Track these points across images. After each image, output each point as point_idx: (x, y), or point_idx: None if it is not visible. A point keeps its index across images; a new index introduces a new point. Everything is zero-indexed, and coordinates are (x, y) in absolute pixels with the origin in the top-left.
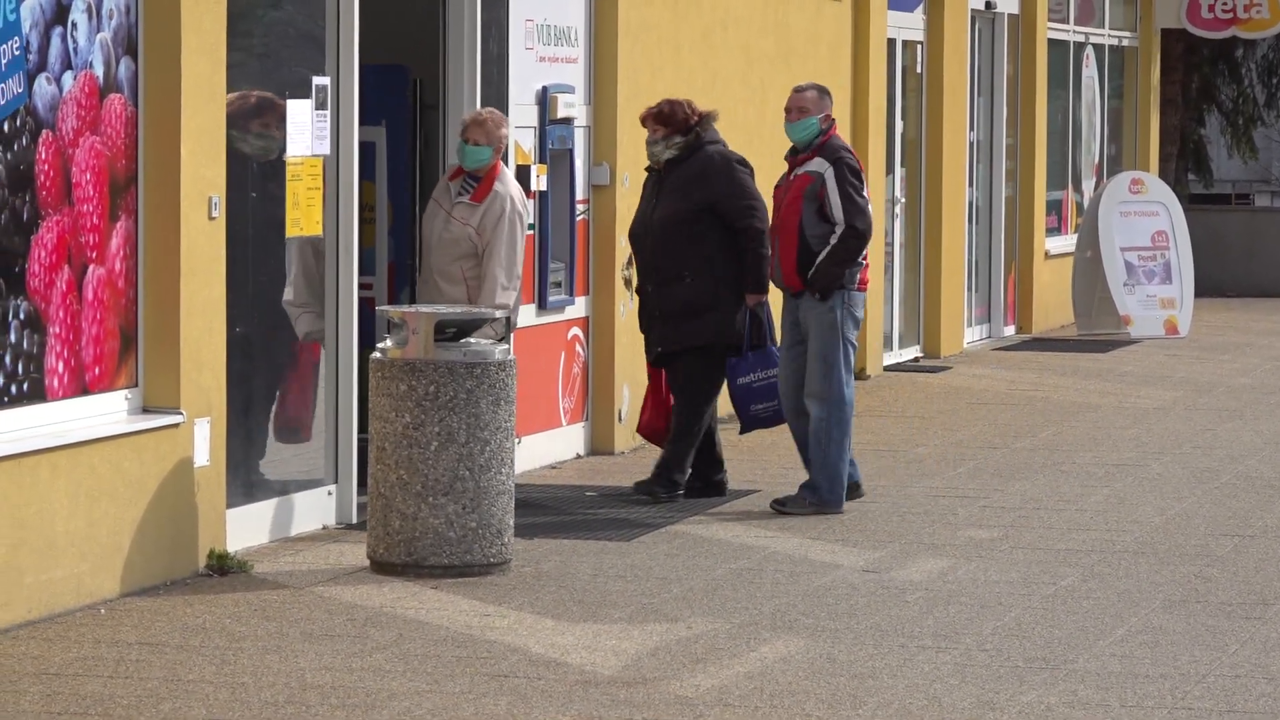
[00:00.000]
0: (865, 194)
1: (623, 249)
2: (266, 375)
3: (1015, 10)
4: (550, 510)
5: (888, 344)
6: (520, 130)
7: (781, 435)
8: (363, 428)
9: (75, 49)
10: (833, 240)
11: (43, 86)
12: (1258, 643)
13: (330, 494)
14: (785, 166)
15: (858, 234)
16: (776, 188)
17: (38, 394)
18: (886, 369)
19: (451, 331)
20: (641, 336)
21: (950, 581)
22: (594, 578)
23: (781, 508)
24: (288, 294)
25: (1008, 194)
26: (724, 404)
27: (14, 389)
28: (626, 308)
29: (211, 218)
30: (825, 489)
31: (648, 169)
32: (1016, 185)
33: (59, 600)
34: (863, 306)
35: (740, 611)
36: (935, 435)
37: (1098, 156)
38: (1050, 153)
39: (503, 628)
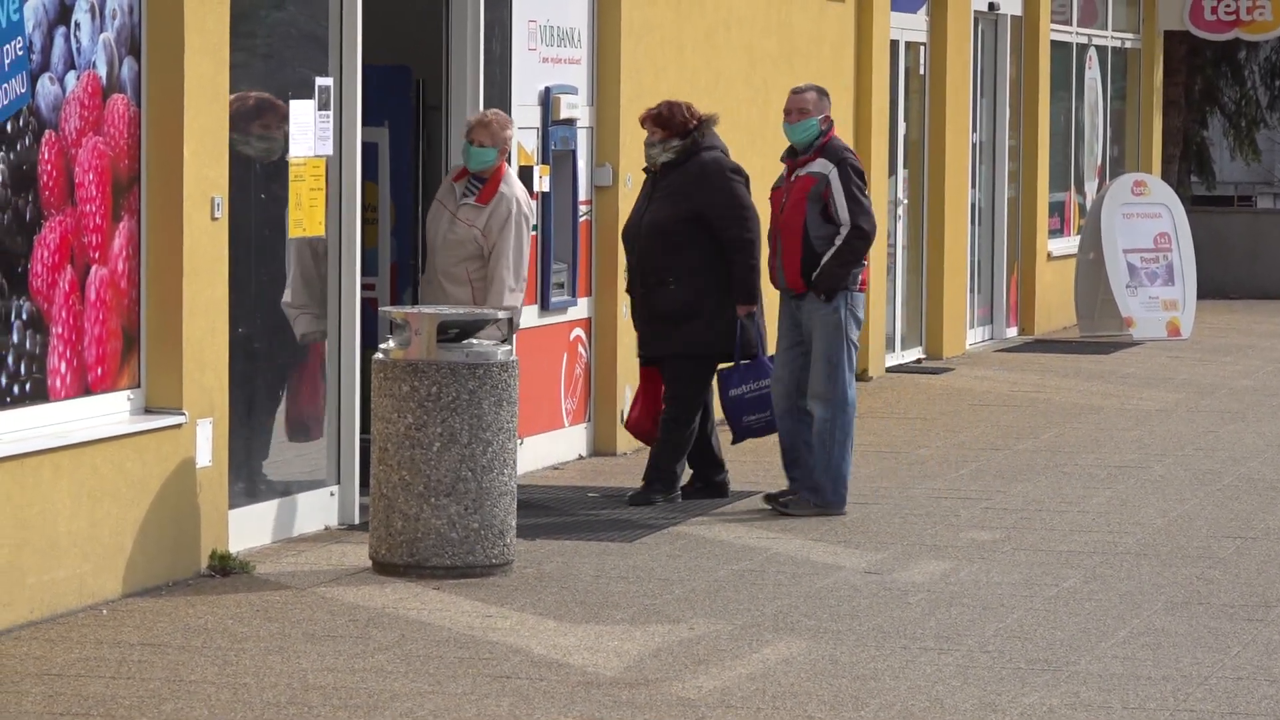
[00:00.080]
0: (868, 194)
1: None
2: (269, 376)
3: (1018, 11)
4: (552, 511)
5: (890, 345)
6: (523, 131)
7: None
8: (365, 428)
9: (78, 49)
10: (837, 241)
11: (46, 86)
12: (1260, 645)
13: (332, 495)
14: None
15: (863, 234)
16: (775, 190)
17: (40, 394)
18: (889, 370)
19: (454, 332)
20: None
21: (952, 583)
22: (596, 579)
23: (783, 508)
24: (286, 295)
25: (1010, 195)
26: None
27: (16, 389)
28: (628, 309)
29: (214, 218)
30: (829, 490)
31: (645, 169)
32: (1019, 186)
33: (61, 601)
34: (863, 307)
35: (742, 613)
36: (937, 437)
37: (1100, 158)
38: (1053, 154)
39: (505, 629)
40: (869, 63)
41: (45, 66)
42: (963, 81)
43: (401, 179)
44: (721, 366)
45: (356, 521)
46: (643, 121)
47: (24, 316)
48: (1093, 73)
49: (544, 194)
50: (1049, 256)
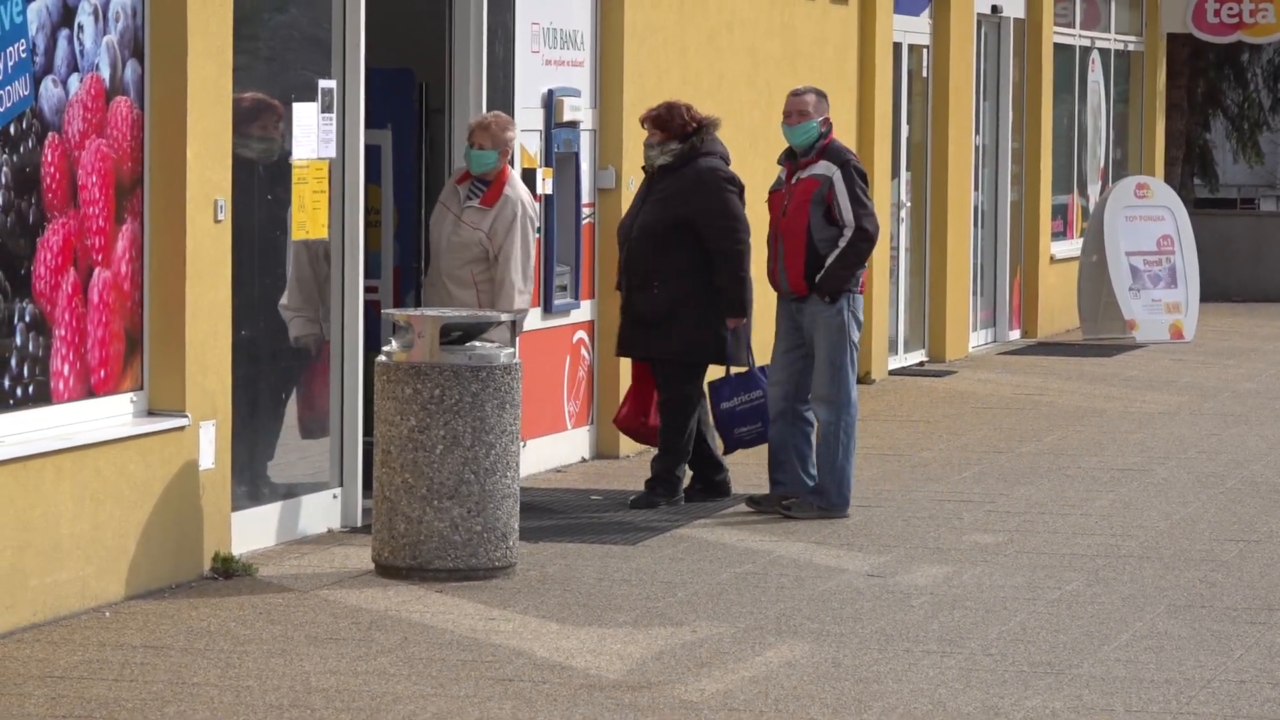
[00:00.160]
0: (870, 196)
1: None
2: (271, 378)
3: (1021, 14)
4: (555, 514)
5: (893, 348)
6: (526, 134)
7: None
8: (368, 431)
9: (81, 51)
10: (841, 243)
11: (49, 89)
12: (1263, 648)
13: (335, 497)
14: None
15: (867, 236)
16: (773, 193)
17: (43, 397)
18: (891, 373)
19: (457, 335)
20: None
21: (955, 586)
22: (599, 582)
23: (786, 511)
24: (283, 298)
25: (1013, 198)
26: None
27: (19, 391)
28: None
29: (217, 220)
30: (833, 493)
31: (643, 168)
32: (1022, 189)
33: (64, 603)
34: (862, 309)
35: (745, 616)
36: (940, 439)
37: (1103, 161)
38: (1056, 157)
39: (507, 631)
40: (872, 65)
41: (48, 69)
42: (965, 84)
43: (404, 181)
44: (712, 379)
45: (359, 524)
46: (642, 121)
47: (27, 319)
48: (1095, 75)
49: (547, 196)
50: (1052, 259)
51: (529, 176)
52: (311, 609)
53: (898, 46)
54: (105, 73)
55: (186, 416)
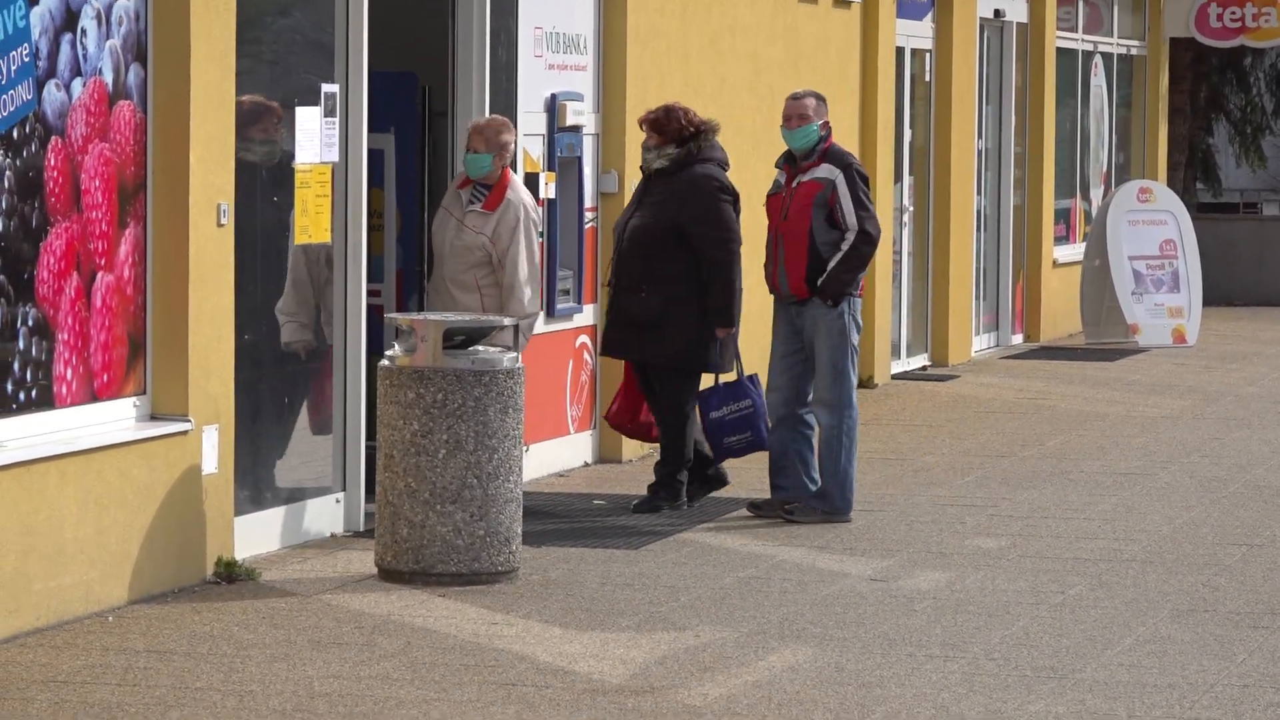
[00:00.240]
0: (872, 199)
1: None
2: (274, 383)
3: (1024, 18)
4: (558, 518)
5: (895, 352)
6: (529, 138)
7: None
8: (371, 435)
9: (85, 55)
10: (844, 247)
11: (52, 93)
12: (1266, 652)
13: (338, 501)
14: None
15: (869, 240)
16: (772, 197)
17: (46, 401)
18: (894, 377)
19: (460, 339)
20: None
21: (958, 590)
22: (602, 586)
23: (789, 515)
24: (280, 302)
25: (1016, 202)
26: None
27: (23, 396)
28: None
29: (220, 225)
30: (836, 496)
31: (641, 169)
32: (1025, 193)
33: (67, 607)
34: (860, 312)
35: (748, 620)
36: (943, 444)
37: (1106, 165)
38: (1058, 161)
39: (510, 636)
40: (874, 69)
41: (52, 73)
42: (968, 88)
43: (407, 186)
44: (701, 389)
45: (362, 528)
46: (640, 123)
47: (30, 323)
48: (1098, 80)
49: (550, 201)
50: (1054, 263)
51: (532, 181)
52: (314, 613)
53: (900, 51)
54: (108, 77)
55: (189, 421)
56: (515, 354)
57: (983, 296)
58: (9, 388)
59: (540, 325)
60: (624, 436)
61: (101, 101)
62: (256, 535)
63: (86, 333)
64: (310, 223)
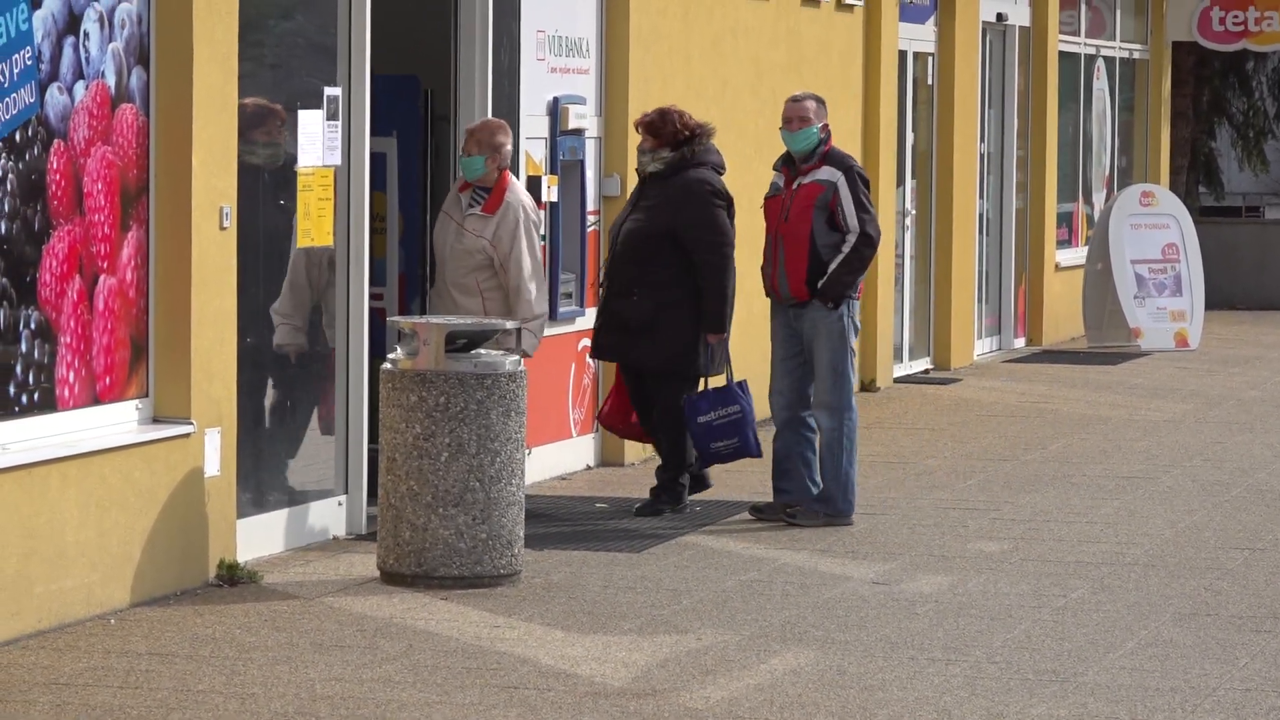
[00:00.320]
0: (872, 201)
1: None
2: (277, 386)
3: (1026, 23)
4: (560, 521)
5: (898, 356)
6: (531, 141)
7: None
8: (373, 438)
9: (87, 59)
10: (845, 249)
11: (55, 96)
12: (1268, 656)
13: (340, 504)
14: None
15: (870, 242)
16: (770, 199)
17: (48, 404)
18: (896, 381)
19: (462, 342)
20: None
21: (960, 594)
22: (604, 589)
23: (791, 519)
24: (276, 303)
25: (1018, 206)
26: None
27: (25, 399)
28: None
29: (223, 228)
30: (839, 499)
31: (636, 171)
32: (1027, 197)
33: (69, 610)
34: (858, 315)
35: (750, 623)
36: (945, 447)
37: (1108, 169)
38: (1061, 165)
39: (512, 639)
40: (877, 73)
41: (54, 76)
42: (971, 92)
43: (410, 189)
44: (689, 393)
45: (364, 531)
46: (636, 127)
47: (32, 326)
48: (1101, 83)
49: (552, 204)
50: (1057, 267)
51: (534, 184)
52: (316, 616)
53: (903, 54)
54: (111, 80)
55: (192, 424)
56: (517, 357)
57: (985, 300)
58: (11, 390)
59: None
60: (625, 440)
61: (104, 104)
62: (259, 538)
63: (89, 336)
64: (312, 226)
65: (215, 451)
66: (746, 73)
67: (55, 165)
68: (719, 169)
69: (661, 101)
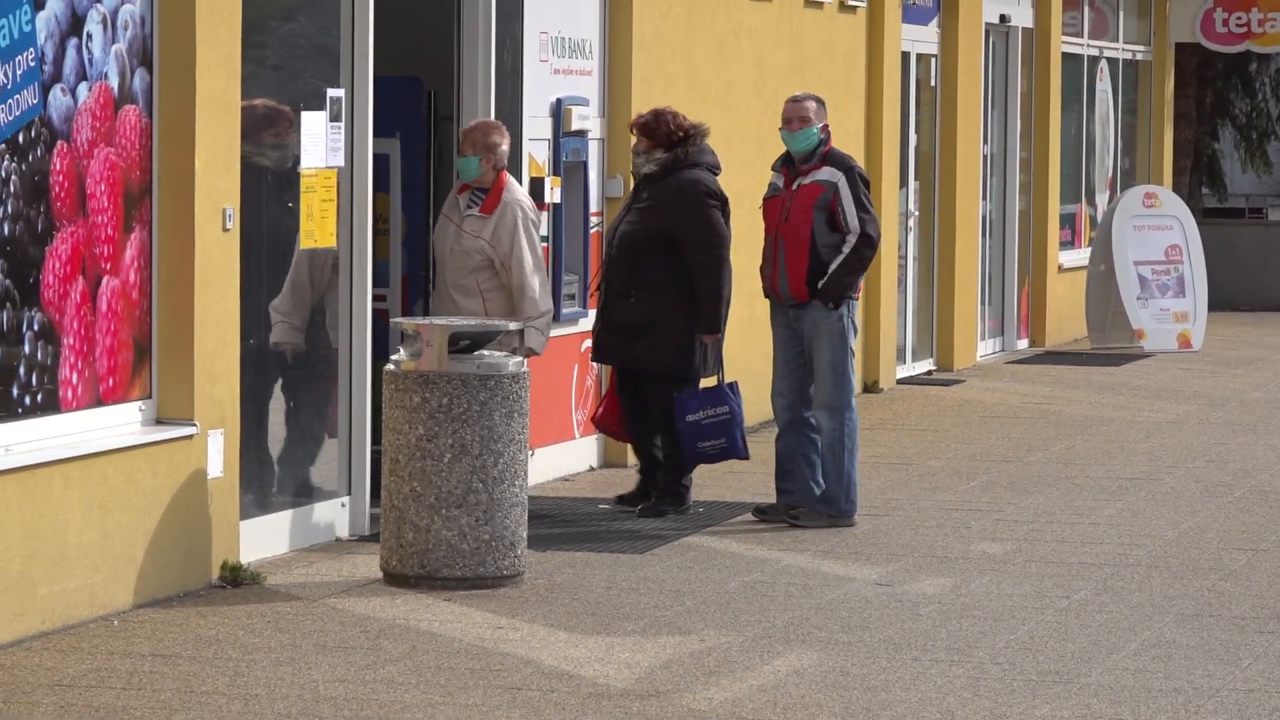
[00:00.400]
0: (872, 202)
1: None
2: (280, 387)
3: (1029, 24)
4: (563, 522)
5: (901, 357)
6: (534, 143)
7: None
8: (376, 439)
9: (90, 60)
10: (845, 249)
11: (58, 98)
12: (1271, 657)
13: (343, 506)
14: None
15: (871, 243)
16: (770, 200)
17: (52, 405)
18: (899, 382)
19: (465, 343)
20: None
21: (963, 595)
22: (607, 590)
23: (794, 520)
24: (276, 300)
25: (1021, 207)
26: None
27: (28, 400)
28: None
29: (226, 229)
30: (842, 499)
31: (632, 173)
32: (1030, 198)
33: (72, 611)
34: (857, 315)
35: (753, 624)
36: (948, 448)
37: (1111, 170)
38: (1064, 166)
39: (516, 640)
40: (880, 74)
41: (57, 77)
42: (974, 93)
43: (413, 190)
44: (678, 392)
45: (367, 532)
46: (630, 128)
47: (35, 327)
48: (1104, 85)
49: (555, 205)
50: (1060, 268)
51: (537, 185)
52: (320, 617)
53: (906, 56)
54: (114, 81)
55: (195, 425)
56: (521, 359)
57: (988, 301)
58: (15, 392)
59: None
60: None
61: (107, 106)
62: (262, 539)
63: (92, 337)
64: (315, 227)
65: (218, 453)
66: (750, 74)
67: (58, 167)
68: (714, 169)
69: (665, 103)
